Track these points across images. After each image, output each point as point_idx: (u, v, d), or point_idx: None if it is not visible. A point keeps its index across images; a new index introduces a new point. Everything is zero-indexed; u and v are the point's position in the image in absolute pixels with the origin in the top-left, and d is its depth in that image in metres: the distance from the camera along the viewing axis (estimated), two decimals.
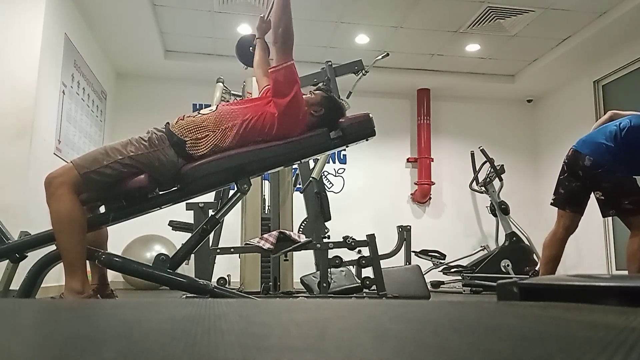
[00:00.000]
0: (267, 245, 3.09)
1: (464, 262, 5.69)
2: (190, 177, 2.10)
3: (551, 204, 3.21)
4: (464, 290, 5.16)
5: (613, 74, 5.79)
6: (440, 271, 5.69)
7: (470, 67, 6.53)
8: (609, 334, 0.53)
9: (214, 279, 3.23)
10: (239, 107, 2.20)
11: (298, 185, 4.14)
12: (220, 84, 4.17)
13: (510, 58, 6.25)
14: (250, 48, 2.72)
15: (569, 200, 3.14)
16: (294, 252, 3.36)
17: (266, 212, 4.25)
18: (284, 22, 2.16)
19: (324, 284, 3.22)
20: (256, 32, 2.67)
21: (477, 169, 6.15)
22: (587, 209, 6.48)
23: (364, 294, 3.44)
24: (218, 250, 3.49)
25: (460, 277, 5.41)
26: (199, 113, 2.20)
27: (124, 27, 5.29)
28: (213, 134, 2.11)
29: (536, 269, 5.33)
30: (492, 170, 5.78)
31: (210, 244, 3.65)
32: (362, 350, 0.47)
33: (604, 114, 6.04)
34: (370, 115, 2.31)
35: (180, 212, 3.06)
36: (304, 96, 2.28)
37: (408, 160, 7.12)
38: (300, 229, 4.50)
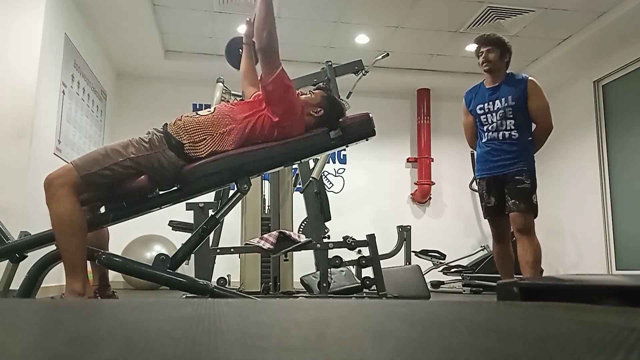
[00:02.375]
0: (267, 245, 3.09)
1: (464, 262, 5.69)
2: (190, 178, 2.10)
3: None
4: (464, 290, 5.16)
5: (613, 74, 5.79)
6: (440, 271, 5.69)
7: (470, 67, 6.51)
8: (609, 334, 0.53)
9: (214, 279, 3.24)
10: (237, 110, 2.18)
11: (298, 185, 4.14)
12: (220, 84, 4.17)
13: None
14: (240, 50, 2.62)
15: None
16: (294, 252, 3.37)
17: (266, 212, 4.25)
18: (267, 27, 2.09)
19: (324, 284, 3.22)
20: (244, 37, 2.59)
21: None
22: (586, 210, 6.45)
23: (364, 294, 3.44)
24: (218, 250, 3.50)
25: (460, 277, 5.41)
26: (197, 114, 2.19)
27: (124, 27, 5.29)
28: (211, 138, 2.10)
29: None
30: None
31: (210, 244, 3.65)
32: (362, 350, 0.47)
33: (604, 114, 6.06)
34: (370, 115, 2.31)
35: (180, 212, 3.06)
36: (303, 96, 2.27)
37: (408, 160, 7.12)
38: (300, 229, 4.50)
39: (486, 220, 3.31)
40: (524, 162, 3.12)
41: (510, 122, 3.14)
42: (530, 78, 3.19)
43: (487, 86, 3.25)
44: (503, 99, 3.15)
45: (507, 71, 3.25)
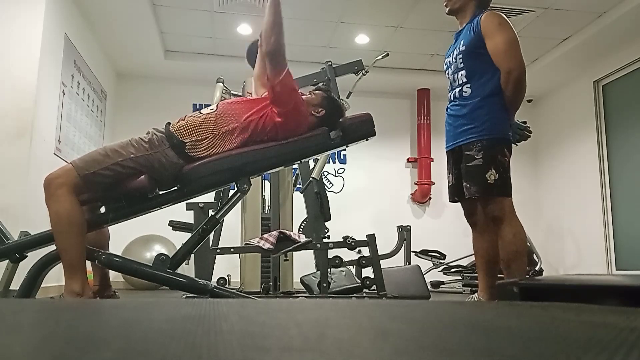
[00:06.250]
0: (267, 245, 3.09)
1: (464, 262, 5.69)
2: (190, 177, 2.10)
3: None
4: (464, 290, 5.16)
5: (613, 74, 5.79)
6: (440, 271, 5.69)
7: None
8: (609, 334, 0.53)
9: (214, 279, 3.23)
10: (240, 108, 2.18)
11: (298, 185, 4.14)
12: (220, 84, 4.16)
13: None
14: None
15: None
16: (294, 252, 3.36)
17: (266, 212, 4.25)
18: (275, 32, 2.07)
19: (324, 284, 3.22)
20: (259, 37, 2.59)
21: None
22: (586, 210, 6.44)
23: (364, 294, 3.44)
24: (218, 250, 3.49)
25: (460, 277, 5.41)
26: (200, 113, 2.19)
27: (124, 27, 5.29)
28: (213, 137, 2.10)
29: (536, 268, 5.33)
30: None
31: (210, 244, 3.65)
32: (362, 350, 0.47)
33: (604, 114, 6.06)
34: (371, 115, 2.31)
35: (180, 212, 3.06)
36: (303, 96, 2.28)
37: (408, 160, 7.12)
38: (300, 229, 4.49)
39: None
40: (476, 129, 2.39)
41: (461, 75, 2.47)
42: (485, 13, 2.44)
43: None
44: (459, 46, 2.50)
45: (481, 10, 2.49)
